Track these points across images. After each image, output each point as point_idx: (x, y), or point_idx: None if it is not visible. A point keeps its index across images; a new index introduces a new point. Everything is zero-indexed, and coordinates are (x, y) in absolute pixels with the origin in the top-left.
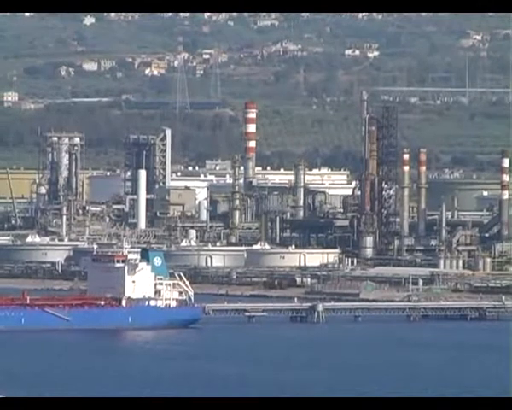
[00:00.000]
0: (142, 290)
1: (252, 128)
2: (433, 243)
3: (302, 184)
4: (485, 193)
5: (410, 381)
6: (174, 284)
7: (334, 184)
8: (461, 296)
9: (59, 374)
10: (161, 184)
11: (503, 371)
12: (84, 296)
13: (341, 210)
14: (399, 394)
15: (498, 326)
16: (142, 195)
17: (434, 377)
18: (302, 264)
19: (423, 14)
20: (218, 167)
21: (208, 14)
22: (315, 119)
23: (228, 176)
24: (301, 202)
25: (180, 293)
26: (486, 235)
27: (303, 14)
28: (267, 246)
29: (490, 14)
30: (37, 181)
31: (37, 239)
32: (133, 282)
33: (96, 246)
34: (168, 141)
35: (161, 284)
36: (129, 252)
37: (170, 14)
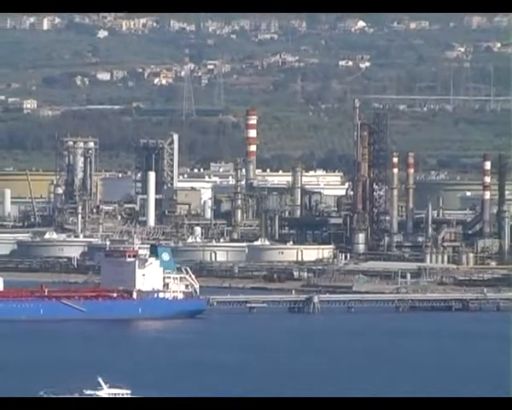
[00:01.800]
0: (151, 283)
1: (253, 133)
2: (420, 239)
3: (299, 185)
4: (469, 193)
5: (399, 364)
6: (181, 277)
7: (329, 185)
8: (446, 289)
9: (75, 360)
10: (169, 185)
11: (486, 356)
12: (97, 289)
13: (335, 209)
14: (388, 374)
15: (481, 316)
16: (152, 195)
17: (422, 360)
18: (299, 259)
19: (411, 27)
20: (221, 170)
21: (213, 27)
22: (311, 124)
23: (230, 177)
24: (298, 202)
25: (186, 286)
26: (469, 232)
27: (300, 28)
28: (267, 242)
29: (473, 27)
30: (55, 182)
31: (55, 236)
32: (143, 275)
33: (108, 242)
34: (175, 145)
35: (169, 277)
36: (139, 248)
37: (177, 27)
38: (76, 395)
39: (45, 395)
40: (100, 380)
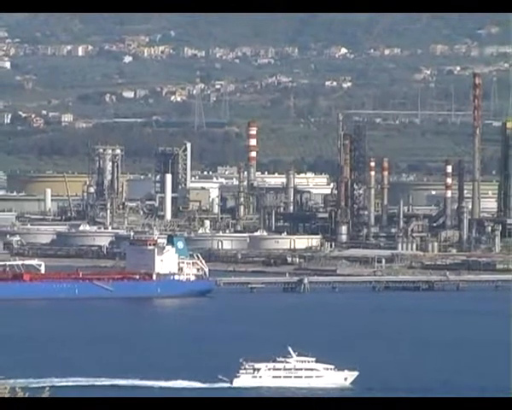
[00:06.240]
0: (168, 267)
1: (253, 142)
2: (393, 230)
3: (292, 185)
4: (433, 192)
5: (376, 333)
6: (193, 262)
7: (317, 185)
8: (414, 272)
9: (106, 331)
10: (183, 185)
11: (447, 328)
12: (123, 272)
13: (322, 205)
14: (366, 341)
15: (443, 295)
16: (169, 193)
17: (394, 329)
18: (292, 247)
19: (385, 53)
20: (226, 172)
21: (219, 53)
22: (302, 135)
23: (234, 179)
24: (291, 199)
25: (198, 269)
26: (434, 224)
27: (293, 54)
28: (265, 233)
29: (437, 54)
30: (88, 183)
31: (88, 228)
32: (161, 261)
33: (132, 233)
34: (188, 152)
35: (183, 262)
36: (158, 238)
37: (190, 54)
38: (270, 363)
39: (244, 363)
40: (290, 349)
